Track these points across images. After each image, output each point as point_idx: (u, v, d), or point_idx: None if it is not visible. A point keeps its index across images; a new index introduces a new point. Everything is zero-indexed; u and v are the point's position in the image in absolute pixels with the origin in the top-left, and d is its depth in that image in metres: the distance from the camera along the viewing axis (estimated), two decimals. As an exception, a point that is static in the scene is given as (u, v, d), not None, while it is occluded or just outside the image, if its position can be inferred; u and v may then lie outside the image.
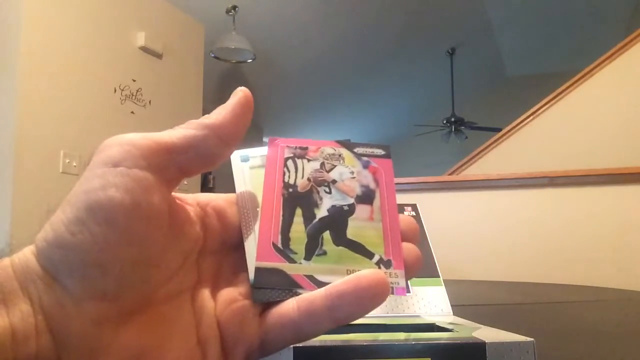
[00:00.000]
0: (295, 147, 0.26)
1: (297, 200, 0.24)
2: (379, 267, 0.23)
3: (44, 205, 2.15)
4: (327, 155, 0.26)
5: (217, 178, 4.37)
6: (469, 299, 0.81)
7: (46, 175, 2.18)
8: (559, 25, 4.29)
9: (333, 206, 0.24)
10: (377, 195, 0.25)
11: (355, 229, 0.24)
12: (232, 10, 3.59)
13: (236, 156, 0.26)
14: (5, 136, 2.09)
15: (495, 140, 3.10)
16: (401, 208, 0.49)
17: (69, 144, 2.29)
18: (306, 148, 0.26)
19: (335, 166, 0.26)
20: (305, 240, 0.23)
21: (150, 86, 2.77)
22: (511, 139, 3.05)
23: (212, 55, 3.59)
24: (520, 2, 3.96)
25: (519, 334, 0.35)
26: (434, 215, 2.22)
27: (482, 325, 0.39)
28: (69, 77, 2.32)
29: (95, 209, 0.19)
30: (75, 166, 2.30)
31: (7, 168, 2.06)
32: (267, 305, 0.22)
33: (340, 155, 0.26)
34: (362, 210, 0.25)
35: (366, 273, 0.21)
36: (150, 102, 2.76)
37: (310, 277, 0.22)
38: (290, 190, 0.25)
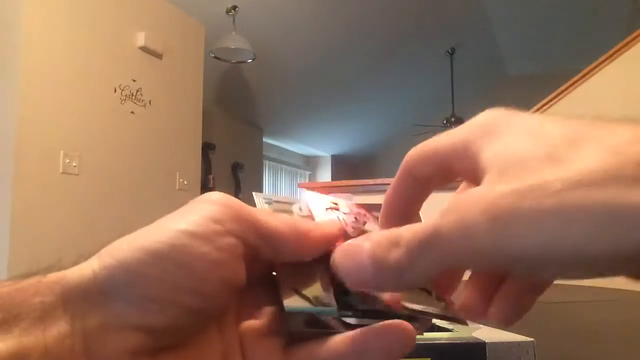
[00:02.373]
0: (329, 201, 0.27)
1: None
2: (441, 299, 0.24)
3: (44, 205, 2.16)
4: (356, 211, 0.27)
5: (216, 179, 4.37)
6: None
7: (46, 175, 2.18)
8: (559, 25, 4.29)
9: None
10: None
11: None
12: (232, 10, 3.59)
13: (259, 198, 0.27)
14: (5, 136, 2.09)
15: (495, 140, 3.09)
16: None
17: (69, 144, 2.29)
18: (337, 203, 0.27)
19: (366, 222, 0.27)
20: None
21: (150, 86, 2.77)
22: (511, 139, 3.05)
23: (212, 55, 3.59)
24: (520, 2, 3.96)
25: (519, 334, 0.35)
26: (434, 215, 2.21)
27: (482, 325, 0.39)
28: (69, 77, 2.32)
29: (182, 251, 0.19)
30: (75, 166, 2.30)
31: (7, 168, 2.06)
32: (290, 341, 0.23)
33: (366, 215, 0.27)
34: None
35: (394, 322, 0.22)
36: (150, 102, 2.76)
37: (401, 303, 0.23)
38: (346, 239, 0.24)
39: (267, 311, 0.23)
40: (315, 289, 0.23)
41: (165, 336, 0.19)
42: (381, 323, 0.22)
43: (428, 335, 0.39)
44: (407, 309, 0.23)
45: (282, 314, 0.22)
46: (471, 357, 0.35)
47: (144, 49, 2.72)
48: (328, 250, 0.23)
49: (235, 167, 4.86)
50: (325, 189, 3.30)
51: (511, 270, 0.18)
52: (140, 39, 2.69)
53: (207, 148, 4.20)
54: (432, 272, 0.18)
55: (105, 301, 0.18)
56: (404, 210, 0.24)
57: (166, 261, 0.19)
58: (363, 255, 0.20)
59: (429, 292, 0.24)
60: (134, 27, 2.69)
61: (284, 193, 6.91)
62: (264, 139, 5.76)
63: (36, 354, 0.17)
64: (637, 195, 0.14)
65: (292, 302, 0.22)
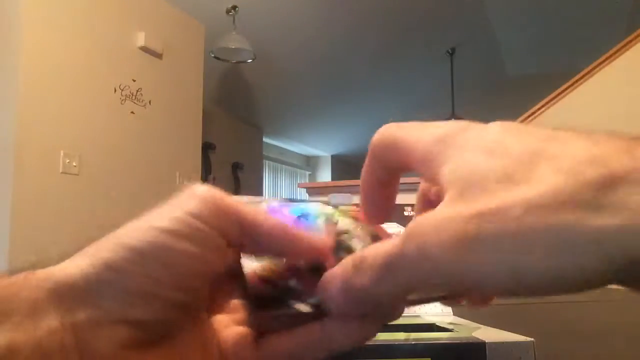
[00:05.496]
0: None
1: (336, 250, 0.25)
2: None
3: (44, 205, 2.15)
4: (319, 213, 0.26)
5: (216, 179, 4.37)
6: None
7: (46, 175, 2.18)
8: (559, 25, 4.29)
9: (364, 247, 0.26)
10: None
11: None
12: (232, 10, 3.59)
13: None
14: (5, 136, 2.09)
15: (495, 140, 3.09)
16: (401, 208, 0.49)
17: (69, 144, 2.29)
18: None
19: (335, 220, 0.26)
20: None
21: (150, 86, 2.77)
22: (511, 139, 3.04)
23: (212, 55, 3.59)
24: (520, 2, 3.96)
25: (519, 334, 0.35)
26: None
27: (482, 325, 0.39)
28: (69, 77, 2.32)
29: (163, 249, 0.20)
30: (75, 166, 2.30)
31: (7, 168, 2.06)
32: (263, 333, 0.23)
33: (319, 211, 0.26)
34: None
35: None
36: (150, 102, 2.76)
37: None
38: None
39: (236, 303, 0.24)
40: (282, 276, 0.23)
41: (152, 330, 0.20)
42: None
43: (428, 335, 0.39)
44: None
45: (248, 300, 0.23)
46: (471, 357, 0.35)
47: (144, 49, 2.72)
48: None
49: (235, 167, 4.86)
50: (326, 189, 3.30)
51: (474, 290, 0.19)
52: (140, 39, 2.69)
53: (207, 148, 4.19)
54: (395, 293, 0.19)
55: (92, 297, 0.19)
56: (378, 193, 0.25)
57: (148, 259, 0.19)
58: (336, 280, 0.21)
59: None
60: (134, 27, 2.69)
61: (284, 193, 6.91)
62: (264, 139, 5.76)
63: (27, 349, 0.17)
64: (589, 220, 0.14)
65: (255, 286, 0.23)
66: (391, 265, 0.18)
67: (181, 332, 0.22)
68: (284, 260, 0.23)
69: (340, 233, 0.24)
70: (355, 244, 0.24)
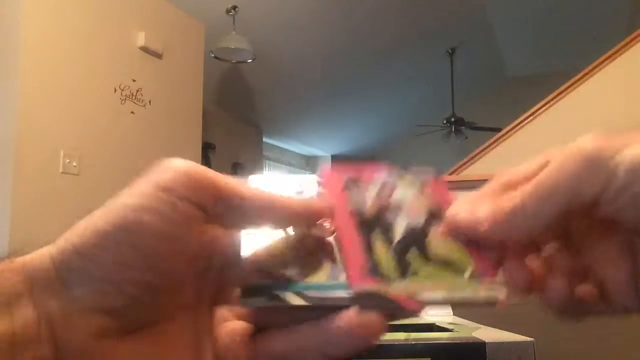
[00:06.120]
0: (349, 176, 0.26)
1: (370, 225, 0.24)
2: (475, 281, 0.23)
3: (44, 205, 2.15)
4: (383, 181, 0.26)
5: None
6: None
7: (46, 175, 2.18)
8: (559, 25, 4.29)
9: (407, 227, 0.24)
10: (442, 212, 0.25)
11: (436, 247, 0.24)
12: (232, 10, 3.59)
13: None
14: (5, 136, 2.09)
15: (495, 140, 3.09)
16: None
17: (69, 144, 2.29)
18: (359, 176, 0.26)
19: (395, 187, 0.26)
20: (393, 261, 0.23)
21: (150, 86, 2.77)
22: (511, 139, 3.05)
23: (212, 55, 3.59)
24: (520, 2, 3.96)
25: (519, 334, 0.35)
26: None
27: (482, 325, 0.39)
28: (69, 77, 2.32)
29: (129, 229, 0.19)
30: (75, 166, 2.30)
31: (7, 168, 2.06)
32: (258, 329, 0.22)
33: (397, 176, 0.26)
34: (435, 229, 0.25)
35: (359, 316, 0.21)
36: (150, 102, 2.76)
37: (412, 296, 0.22)
38: (360, 217, 0.24)
39: (233, 294, 0.23)
40: (279, 264, 0.22)
41: (128, 318, 0.19)
42: (345, 314, 0.21)
43: (428, 335, 0.39)
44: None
45: (243, 292, 0.22)
46: (471, 357, 0.35)
47: (144, 49, 2.72)
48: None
49: (235, 167, 4.86)
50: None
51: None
52: (140, 39, 2.69)
53: (207, 148, 4.19)
54: (548, 213, 0.21)
55: (64, 286, 0.18)
56: None
57: (115, 242, 0.19)
58: (483, 206, 0.22)
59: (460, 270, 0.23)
60: (134, 27, 2.69)
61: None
62: (264, 139, 5.75)
63: (5, 340, 0.17)
64: None
65: (255, 281, 0.22)
66: (552, 179, 0.21)
67: (167, 322, 0.21)
68: (282, 246, 0.23)
69: (389, 204, 0.25)
70: (399, 221, 0.24)
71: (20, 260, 0.19)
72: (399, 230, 0.24)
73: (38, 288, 0.18)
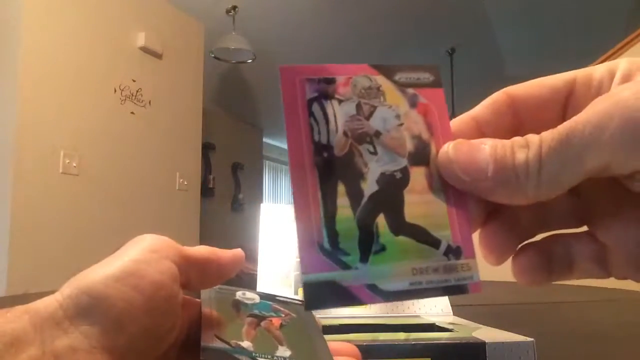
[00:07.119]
0: (319, 81, 0.19)
1: (336, 169, 0.18)
2: (448, 259, 0.19)
3: (44, 205, 2.15)
4: (363, 91, 0.19)
5: (216, 179, 4.37)
6: (469, 299, 0.81)
7: (46, 175, 2.18)
8: (558, 25, 4.29)
9: (382, 174, 0.19)
10: (433, 149, 0.20)
11: (413, 206, 0.19)
12: (232, 10, 3.59)
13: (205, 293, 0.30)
14: (5, 136, 2.09)
15: (495, 140, 3.09)
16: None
17: (69, 144, 2.29)
18: (333, 80, 0.19)
19: (375, 108, 0.19)
20: (357, 232, 0.18)
21: (150, 86, 2.77)
22: (511, 139, 3.04)
23: (212, 55, 3.59)
24: (520, 3, 3.96)
25: (519, 334, 0.35)
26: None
27: (482, 325, 0.39)
28: (69, 78, 2.32)
29: (135, 274, 0.22)
30: (75, 166, 2.30)
31: (6, 168, 2.06)
32: None
33: (379, 89, 0.20)
34: (417, 176, 0.19)
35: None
36: (150, 102, 2.76)
37: (372, 287, 0.18)
38: (325, 154, 0.18)
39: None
40: (233, 334, 0.26)
41: (126, 357, 0.21)
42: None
43: (428, 335, 0.39)
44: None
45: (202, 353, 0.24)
46: (471, 357, 0.35)
47: (144, 49, 2.72)
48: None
49: (235, 167, 4.86)
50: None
51: None
52: (140, 39, 2.69)
53: (207, 148, 4.19)
54: (563, 178, 0.16)
55: (72, 325, 0.20)
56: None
57: (121, 283, 0.22)
58: (483, 151, 0.18)
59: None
60: (134, 27, 2.69)
61: (284, 193, 6.91)
62: (264, 139, 5.75)
63: None
64: None
65: (210, 343, 0.25)
66: (570, 137, 0.16)
67: None
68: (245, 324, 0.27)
69: (365, 133, 0.19)
70: (374, 164, 0.19)
71: (20, 307, 0.21)
72: (372, 178, 0.19)
73: (45, 328, 0.20)
